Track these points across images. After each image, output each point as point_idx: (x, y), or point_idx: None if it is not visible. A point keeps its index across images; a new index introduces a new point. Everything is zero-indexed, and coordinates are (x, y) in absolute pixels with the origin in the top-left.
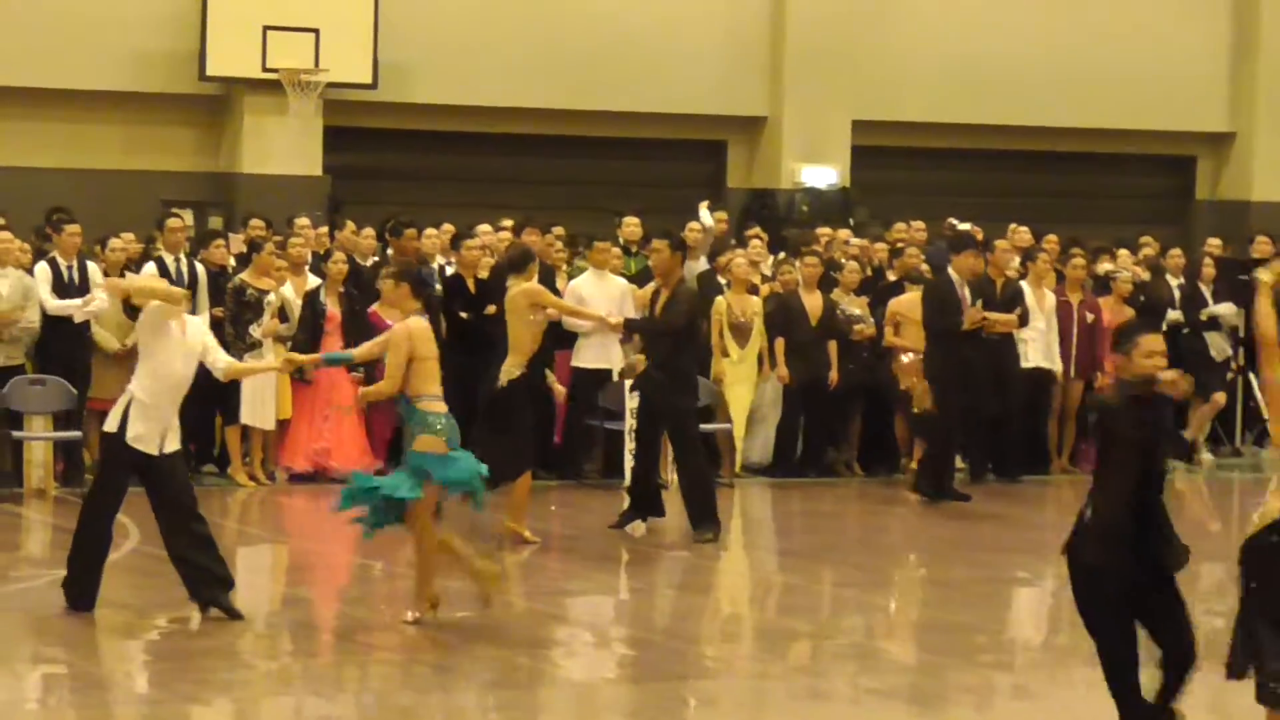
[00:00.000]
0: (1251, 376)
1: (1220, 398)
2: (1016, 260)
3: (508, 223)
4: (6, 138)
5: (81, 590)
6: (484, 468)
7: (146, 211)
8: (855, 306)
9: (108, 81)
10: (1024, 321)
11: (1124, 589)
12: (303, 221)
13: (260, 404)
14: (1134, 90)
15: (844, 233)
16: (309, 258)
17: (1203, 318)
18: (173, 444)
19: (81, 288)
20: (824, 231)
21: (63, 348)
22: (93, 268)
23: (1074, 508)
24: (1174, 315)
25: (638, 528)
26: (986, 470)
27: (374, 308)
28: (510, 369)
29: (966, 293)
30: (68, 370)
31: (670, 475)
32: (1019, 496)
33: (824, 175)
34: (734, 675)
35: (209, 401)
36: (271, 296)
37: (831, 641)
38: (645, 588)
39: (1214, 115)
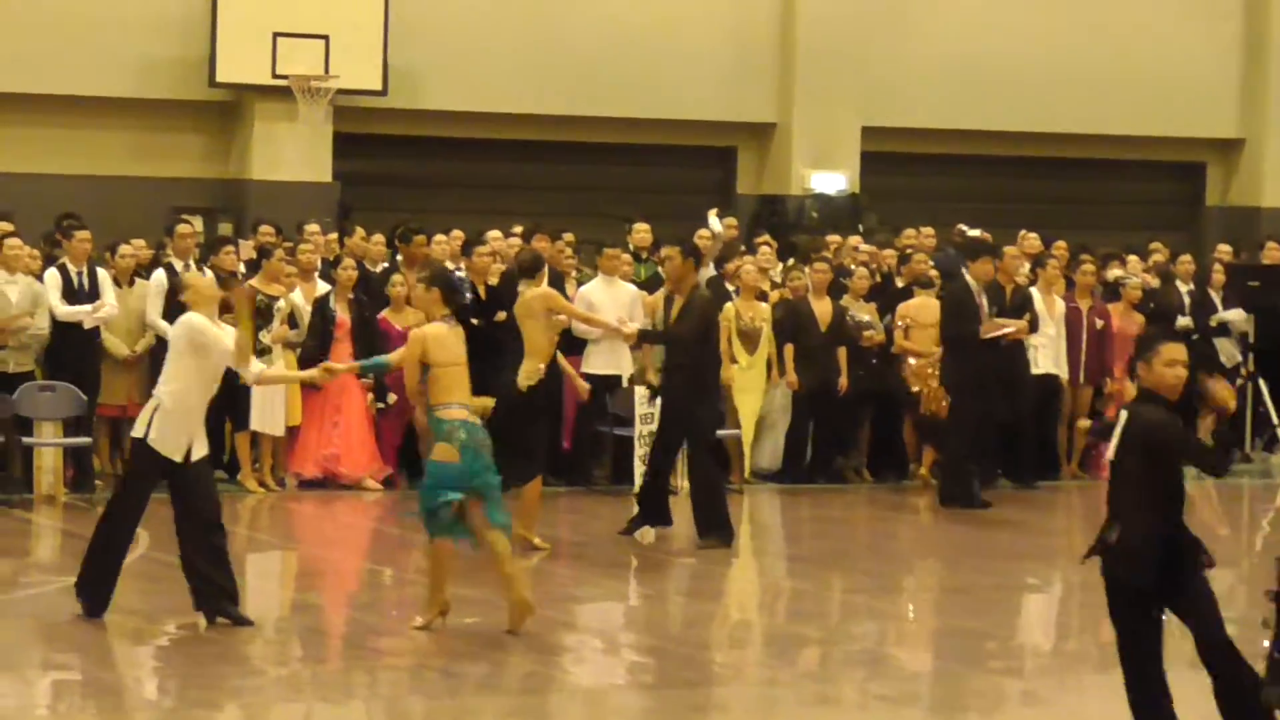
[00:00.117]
0: (1261, 382)
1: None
2: (1026, 266)
3: (518, 229)
4: (17, 144)
5: (95, 594)
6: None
7: (156, 218)
8: (865, 313)
9: (118, 88)
10: (1034, 327)
11: (1162, 604)
12: (313, 228)
13: (270, 410)
14: (1144, 96)
15: (854, 239)
16: (318, 264)
17: (1212, 324)
18: (200, 450)
19: (91, 294)
20: (833, 239)
21: (72, 354)
22: (102, 274)
23: (1084, 513)
24: (1184, 321)
25: (646, 534)
26: (998, 476)
27: (383, 314)
28: (530, 374)
29: (984, 300)
30: (77, 376)
31: (680, 482)
32: (1029, 502)
33: (833, 181)
34: (743, 681)
35: (219, 408)
36: (281, 303)
37: (841, 648)
38: (655, 594)
39: (1224, 121)
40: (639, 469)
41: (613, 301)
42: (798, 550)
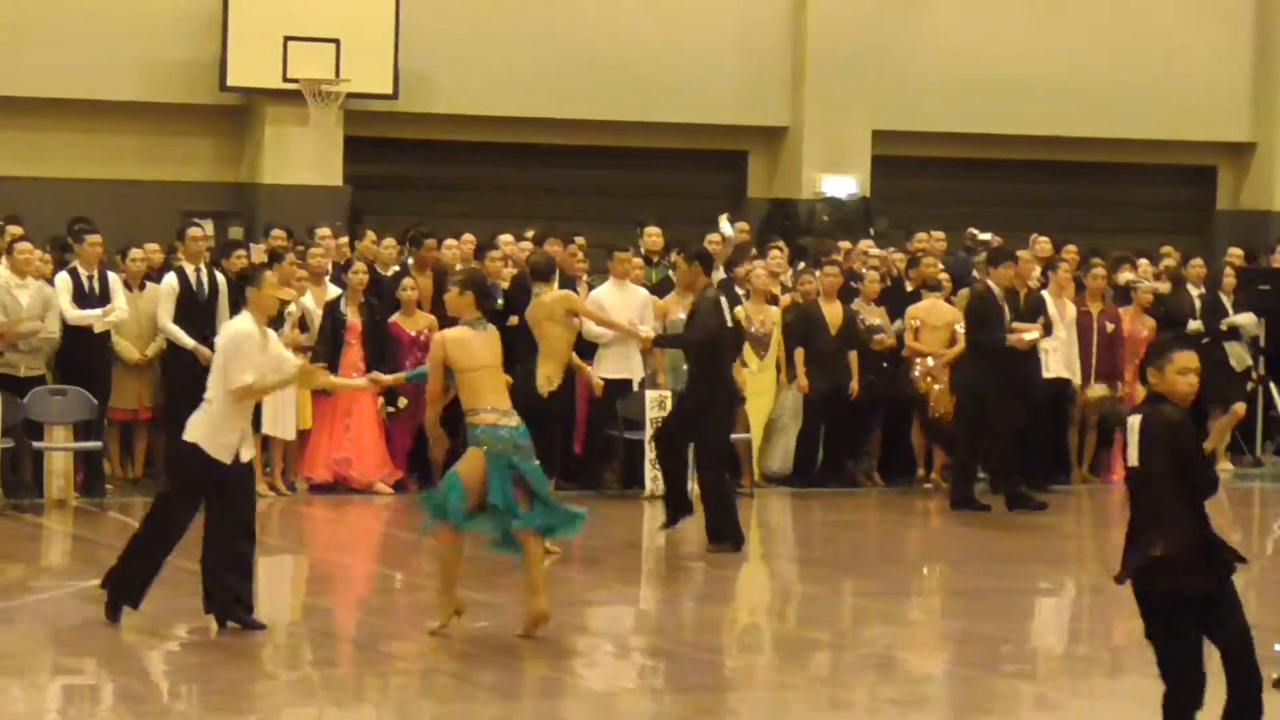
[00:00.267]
0: (1272, 386)
1: (1240, 408)
2: (1038, 270)
3: (529, 233)
4: (28, 147)
5: (129, 593)
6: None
7: (167, 222)
8: (875, 316)
9: (128, 92)
10: (1048, 331)
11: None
12: (323, 231)
13: (281, 414)
14: (1155, 100)
15: (865, 243)
16: (329, 268)
17: (1223, 327)
18: (247, 453)
19: (102, 298)
20: (843, 244)
21: (83, 358)
22: (113, 278)
23: (1095, 517)
24: (1195, 325)
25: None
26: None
27: (394, 318)
28: (551, 378)
29: (1005, 306)
30: (88, 380)
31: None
32: None
33: (844, 185)
34: (754, 686)
35: None
36: (292, 307)
37: (852, 651)
38: (666, 598)
39: (1235, 125)
40: (650, 473)
41: (624, 305)
42: (808, 554)
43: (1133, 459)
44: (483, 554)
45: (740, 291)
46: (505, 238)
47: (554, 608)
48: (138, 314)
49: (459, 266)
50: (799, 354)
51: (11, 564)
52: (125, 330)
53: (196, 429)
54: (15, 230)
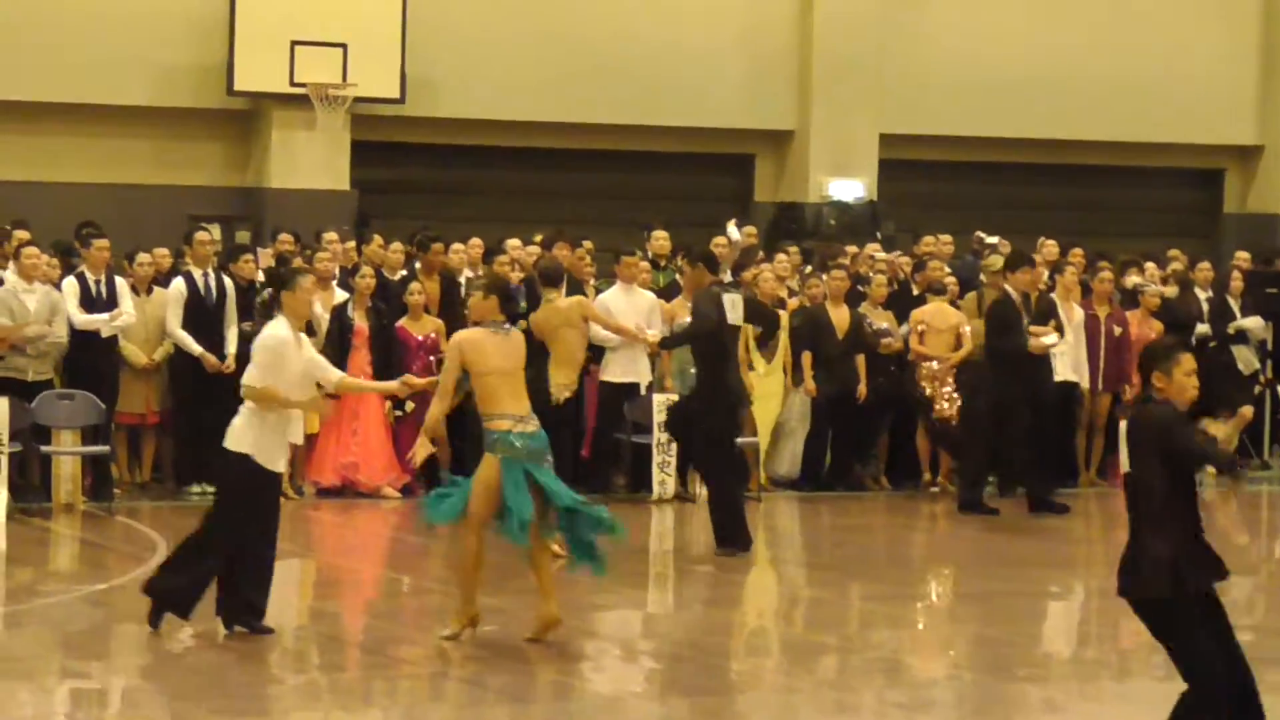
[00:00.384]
0: (1279, 389)
1: (1248, 411)
2: (1045, 274)
3: (537, 237)
4: (36, 152)
5: (179, 604)
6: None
7: (174, 226)
8: (883, 320)
9: (136, 96)
10: (1061, 334)
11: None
12: (330, 236)
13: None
14: (1162, 103)
15: (872, 246)
16: (336, 272)
17: (1230, 331)
18: (284, 462)
19: (109, 302)
20: (849, 248)
21: (91, 362)
22: (120, 282)
23: (1103, 521)
24: (1202, 328)
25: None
26: (1017, 484)
27: (401, 322)
28: (568, 384)
29: (1024, 311)
30: (96, 385)
31: (697, 489)
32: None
33: (851, 189)
34: (761, 689)
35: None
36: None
37: (859, 656)
38: (673, 602)
39: (1242, 128)
40: (657, 476)
41: (631, 309)
42: (816, 558)
43: (1125, 465)
44: (492, 558)
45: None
46: (513, 242)
47: (562, 611)
48: (145, 318)
49: (479, 271)
50: (806, 358)
51: (19, 568)
52: (133, 335)
53: (243, 438)
54: (22, 235)
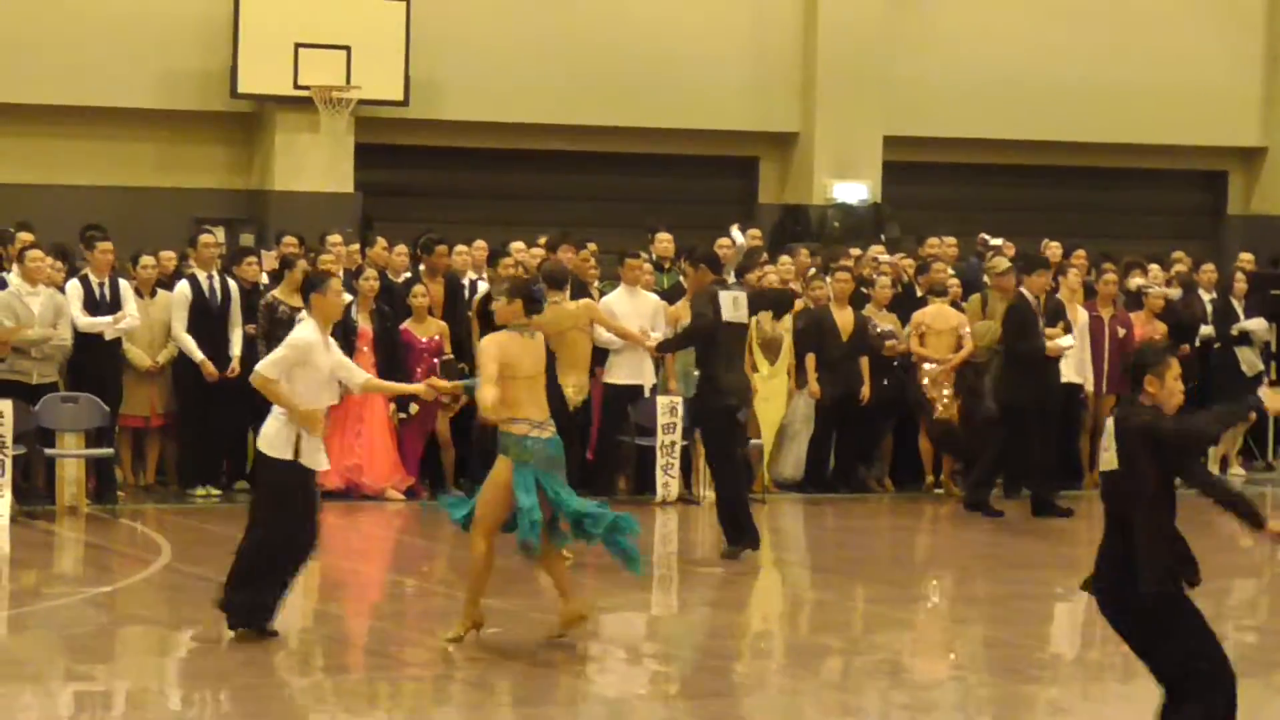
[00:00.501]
0: None
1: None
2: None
3: (541, 239)
4: (40, 155)
5: (256, 615)
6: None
7: (179, 229)
8: (887, 322)
9: (140, 99)
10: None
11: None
12: (334, 238)
13: None
14: (1166, 105)
15: (876, 248)
16: (340, 274)
17: (1234, 333)
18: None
19: (113, 305)
20: (853, 250)
21: (95, 365)
22: (124, 285)
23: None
24: (1206, 330)
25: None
26: (1021, 486)
27: (405, 324)
28: (582, 387)
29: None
30: (100, 388)
31: (701, 491)
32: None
33: (855, 191)
34: (766, 691)
35: (241, 418)
36: (303, 313)
37: (863, 657)
38: (678, 604)
39: (1246, 130)
40: (661, 479)
41: (635, 311)
42: (820, 560)
43: (1110, 463)
44: (497, 561)
45: None
46: (517, 244)
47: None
48: (149, 321)
49: (483, 274)
50: (810, 360)
51: (24, 570)
52: (137, 338)
53: (287, 444)
54: (26, 237)
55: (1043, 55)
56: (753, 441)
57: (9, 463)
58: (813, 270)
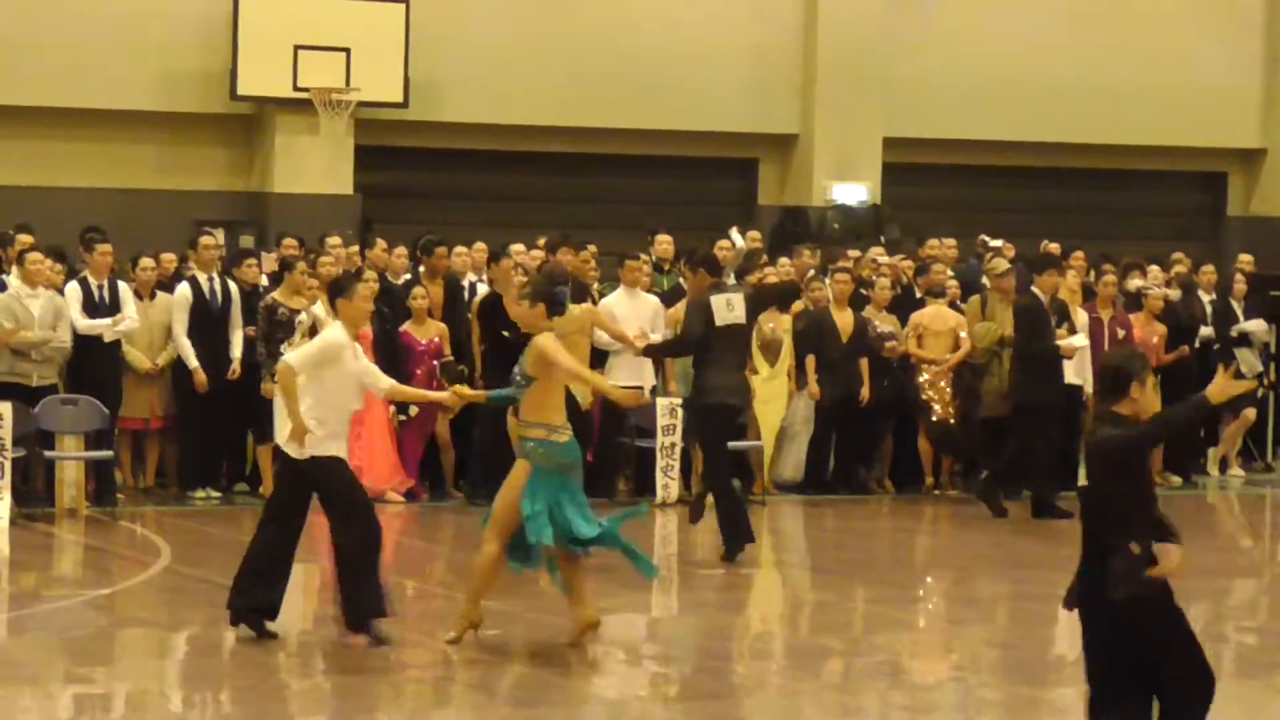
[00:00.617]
0: None
1: (1251, 414)
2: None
3: (541, 240)
4: (40, 157)
5: (370, 609)
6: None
7: (179, 231)
8: (887, 324)
9: (140, 101)
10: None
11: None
12: (334, 240)
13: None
14: (1165, 106)
15: (876, 250)
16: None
17: (1233, 334)
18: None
19: (112, 307)
20: (851, 252)
21: (94, 367)
22: (123, 287)
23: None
24: (1205, 331)
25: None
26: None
27: (405, 326)
28: (588, 391)
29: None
30: (99, 390)
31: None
32: None
33: (855, 192)
34: (766, 692)
35: (241, 420)
36: (303, 316)
37: (863, 659)
38: (678, 606)
39: (1246, 131)
40: (660, 481)
41: (635, 314)
42: (820, 561)
43: (1083, 479)
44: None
45: None
46: (517, 246)
47: (565, 616)
48: (148, 323)
49: (483, 276)
50: (810, 361)
51: (23, 573)
52: (136, 340)
53: (320, 443)
54: (25, 239)
55: (1042, 57)
56: (753, 443)
57: (8, 465)
58: (811, 272)
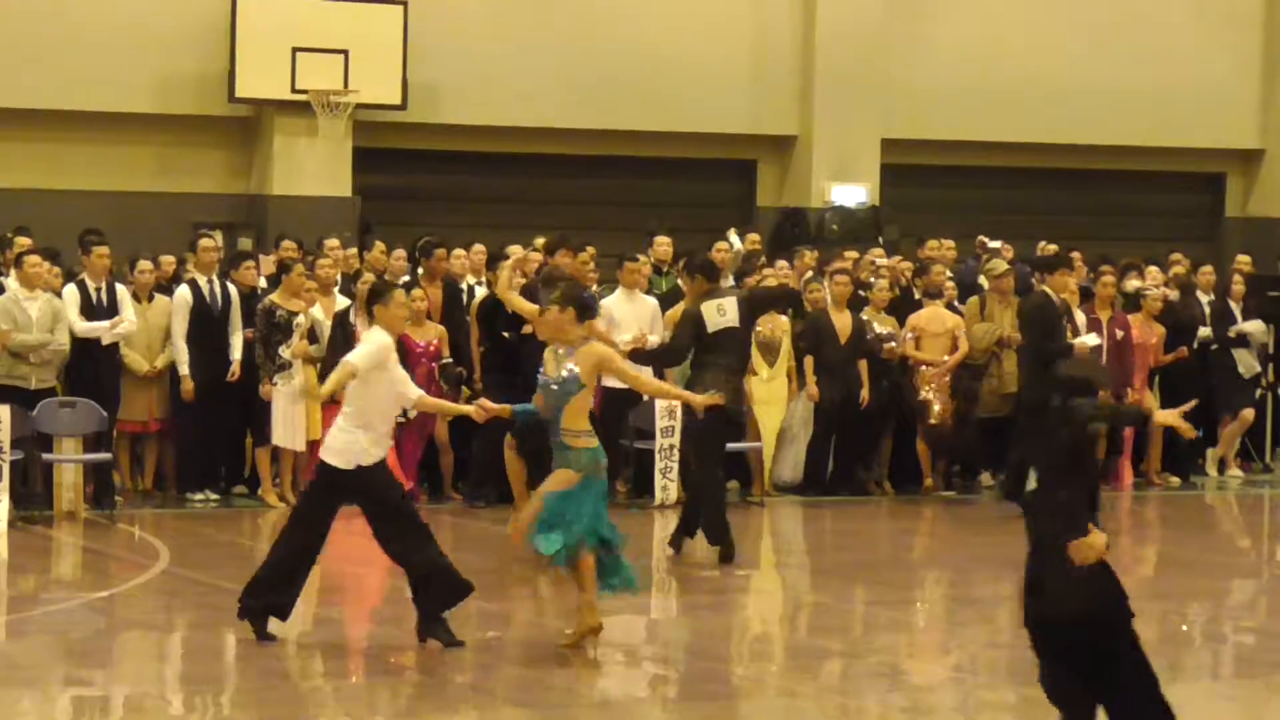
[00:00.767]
0: None
1: (1249, 414)
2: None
3: (539, 241)
4: (39, 160)
5: (445, 599)
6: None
7: (177, 233)
8: (885, 325)
9: (138, 104)
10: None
11: None
12: (332, 242)
13: (290, 425)
14: (1163, 107)
15: (875, 251)
16: (337, 278)
17: (1231, 335)
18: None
19: (110, 310)
20: (849, 253)
21: (93, 370)
22: (121, 290)
23: (1105, 524)
24: (1204, 332)
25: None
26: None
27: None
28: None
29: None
30: (98, 392)
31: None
32: None
33: (854, 194)
34: (765, 694)
35: (240, 423)
36: (301, 318)
37: (863, 660)
38: (677, 607)
39: (1244, 132)
40: (659, 482)
41: (633, 315)
42: (819, 563)
43: (1031, 483)
44: (495, 564)
45: None
46: (514, 248)
47: (565, 617)
48: (147, 326)
49: (482, 278)
50: (809, 363)
51: (22, 576)
52: (134, 342)
53: (366, 452)
54: (24, 242)
55: (1040, 58)
56: (753, 444)
57: (7, 468)
58: (809, 273)
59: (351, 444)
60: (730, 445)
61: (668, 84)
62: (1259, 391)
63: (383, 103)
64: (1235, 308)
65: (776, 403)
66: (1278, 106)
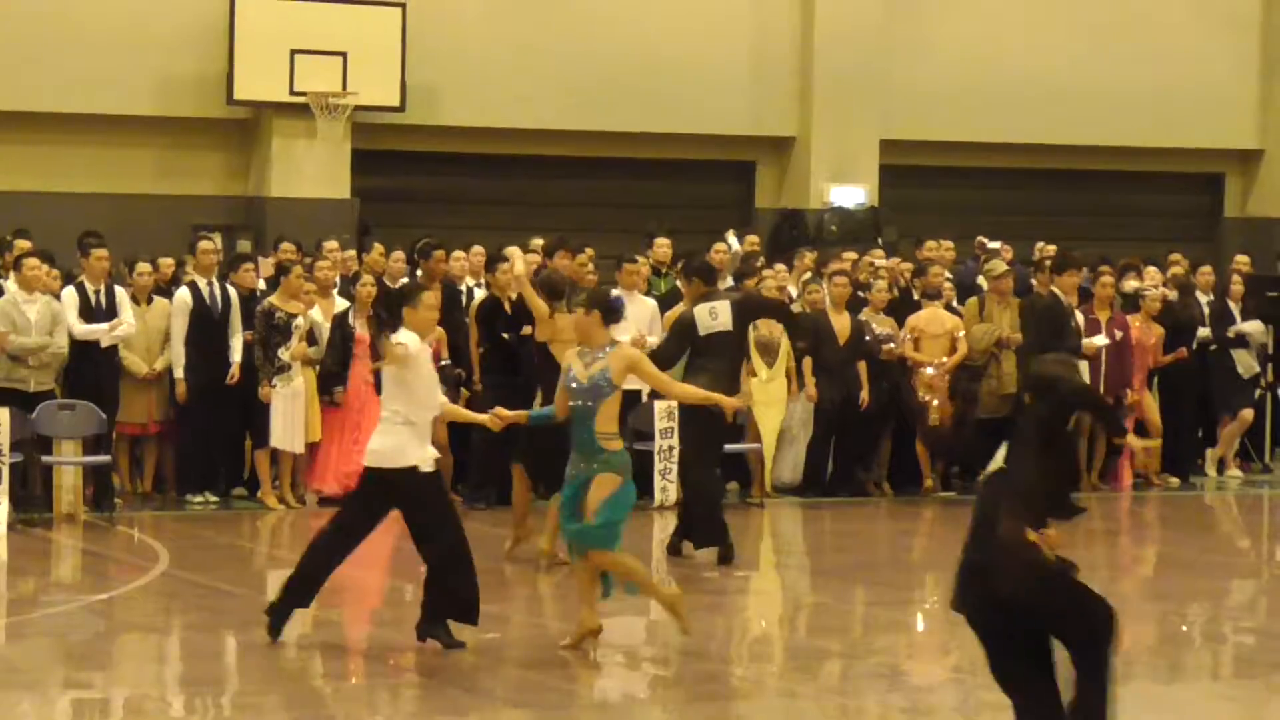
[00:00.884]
0: None
1: (1248, 415)
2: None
3: (538, 242)
4: (38, 163)
5: (465, 612)
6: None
7: (176, 235)
8: (884, 326)
9: (137, 106)
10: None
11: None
12: (331, 244)
13: (290, 427)
14: (1162, 108)
15: (874, 252)
16: (336, 280)
17: (1230, 335)
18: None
19: (109, 312)
20: (849, 255)
21: (92, 372)
22: (120, 292)
23: (1104, 524)
24: (1203, 332)
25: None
26: None
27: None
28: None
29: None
30: (97, 395)
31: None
32: None
33: (853, 195)
34: (765, 695)
35: (239, 425)
36: (300, 320)
37: (862, 661)
38: None
39: (1242, 133)
40: (659, 483)
41: (632, 317)
42: (819, 564)
43: (998, 462)
44: (493, 565)
45: None
46: (512, 249)
47: (564, 619)
48: (146, 328)
49: (480, 279)
50: (808, 364)
51: (21, 578)
52: (134, 344)
53: (406, 453)
54: (23, 245)
55: (1039, 59)
56: (752, 445)
57: (6, 470)
58: (808, 274)
59: (398, 443)
60: (730, 446)
61: (666, 85)
62: (1258, 392)
63: (381, 105)
64: (1234, 308)
65: (776, 404)
66: (1277, 106)
